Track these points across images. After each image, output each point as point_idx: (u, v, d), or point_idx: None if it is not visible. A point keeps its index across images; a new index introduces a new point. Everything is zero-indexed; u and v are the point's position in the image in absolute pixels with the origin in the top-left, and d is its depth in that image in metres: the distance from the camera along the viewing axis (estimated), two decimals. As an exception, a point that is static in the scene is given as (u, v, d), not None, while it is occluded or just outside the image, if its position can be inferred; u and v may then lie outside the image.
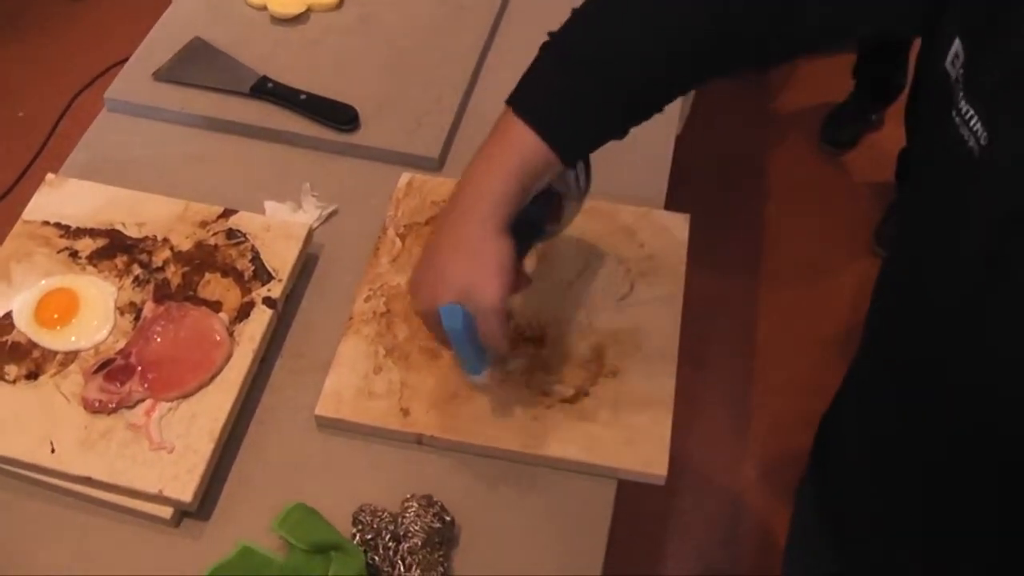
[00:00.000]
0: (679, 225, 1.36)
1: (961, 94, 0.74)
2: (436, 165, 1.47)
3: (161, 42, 1.64)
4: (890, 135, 3.06)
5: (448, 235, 1.02)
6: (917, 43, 2.79)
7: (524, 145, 1.00)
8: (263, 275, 1.28)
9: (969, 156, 0.73)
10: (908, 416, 0.92)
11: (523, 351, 1.23)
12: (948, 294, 0.80)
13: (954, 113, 0.75)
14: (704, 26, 0.96)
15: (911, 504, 0.96)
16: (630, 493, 1.17)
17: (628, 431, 1.16)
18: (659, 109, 1.05)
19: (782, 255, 2.87)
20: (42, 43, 3.43)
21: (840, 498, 1.13)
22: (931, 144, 0.83)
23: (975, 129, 0.72)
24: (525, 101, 1.01)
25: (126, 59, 1.64)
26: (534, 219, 1.11)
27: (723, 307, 2.73)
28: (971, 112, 0.73)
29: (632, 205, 1.38)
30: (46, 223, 1.35)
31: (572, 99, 1.01)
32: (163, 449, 1.13)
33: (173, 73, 1.59)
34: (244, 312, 1.25)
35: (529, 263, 1.24)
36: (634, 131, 1.38)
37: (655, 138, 1.47)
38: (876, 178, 3.01)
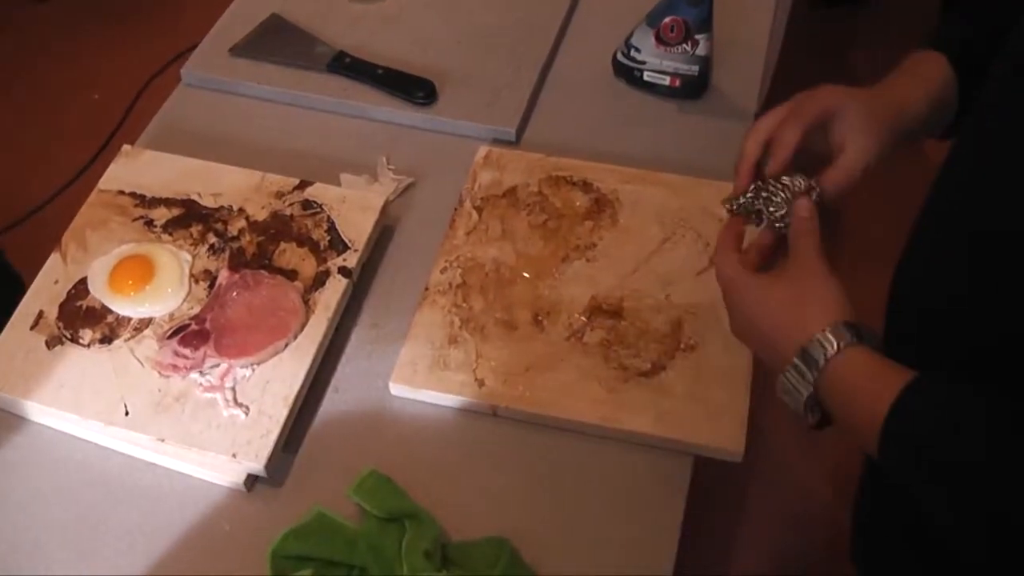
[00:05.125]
0: (759, 201, 1.33)
1: None
2: (514, 139, 1.45)
3: (238, 18, 1.65)
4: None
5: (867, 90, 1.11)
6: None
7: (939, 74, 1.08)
8: (339, 245, 1.27)
9: None
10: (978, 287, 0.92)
11: (600, 324, 1.21)
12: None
13: None
14: None
15: None
16: (697, 477, 1.15)
17: (705, 406, 1.14)
18: None
19: (860, 239, 2.81)
20: (117, 29, 3.47)
21: None
22: None
23: None
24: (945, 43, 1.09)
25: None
26: None
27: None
28: None
29: (711, 179, 1.35)
30: (121, 192, 1.36)
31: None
32: (237, 413, 1.13)
33: (250, 49, 1.59)
34: (319, 281, 1.24)
35: None
36: (712, 106, 1.39)
37: (733, 113, 1.46)
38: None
